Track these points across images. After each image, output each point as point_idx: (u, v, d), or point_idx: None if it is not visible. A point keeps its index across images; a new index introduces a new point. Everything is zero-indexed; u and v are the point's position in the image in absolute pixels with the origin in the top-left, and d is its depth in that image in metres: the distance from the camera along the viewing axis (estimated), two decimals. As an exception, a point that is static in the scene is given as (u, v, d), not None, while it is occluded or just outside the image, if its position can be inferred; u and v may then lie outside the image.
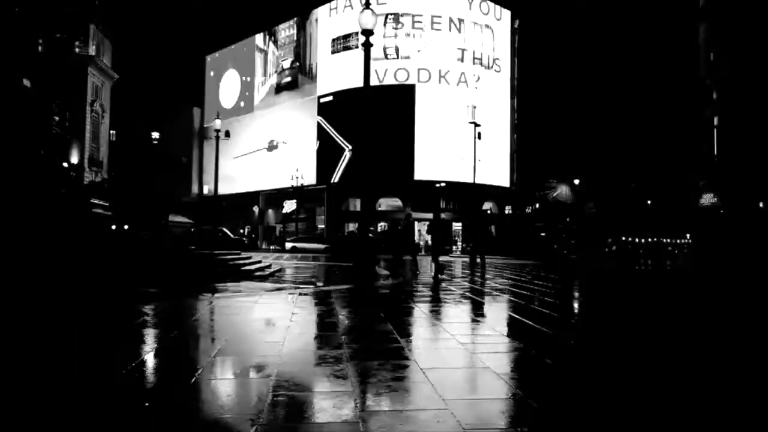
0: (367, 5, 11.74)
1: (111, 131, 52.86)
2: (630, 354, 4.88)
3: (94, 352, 4.76)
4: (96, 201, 18.61)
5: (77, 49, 45.33)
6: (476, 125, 34.44)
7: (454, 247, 45.34)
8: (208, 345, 5.06)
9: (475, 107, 45.87)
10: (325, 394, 3.38)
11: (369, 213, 12.33)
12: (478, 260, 16.08)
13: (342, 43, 48.18)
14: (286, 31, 55.14)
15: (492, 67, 49.09)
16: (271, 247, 48.08)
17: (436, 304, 8.32)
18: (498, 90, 49.60)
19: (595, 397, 3.51)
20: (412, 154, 45.45)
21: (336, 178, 47.16)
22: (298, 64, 53.11)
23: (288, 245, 41.10)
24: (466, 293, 9.77)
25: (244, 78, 59.98)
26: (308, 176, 48.79)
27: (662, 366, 4.39)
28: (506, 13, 50.84)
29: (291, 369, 3.97)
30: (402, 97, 45.52)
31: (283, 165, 52.09)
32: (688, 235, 32.10)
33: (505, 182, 50.74)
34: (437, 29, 46.73)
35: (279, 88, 55.14)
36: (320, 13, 50.60)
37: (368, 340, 5.37)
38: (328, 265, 19.45)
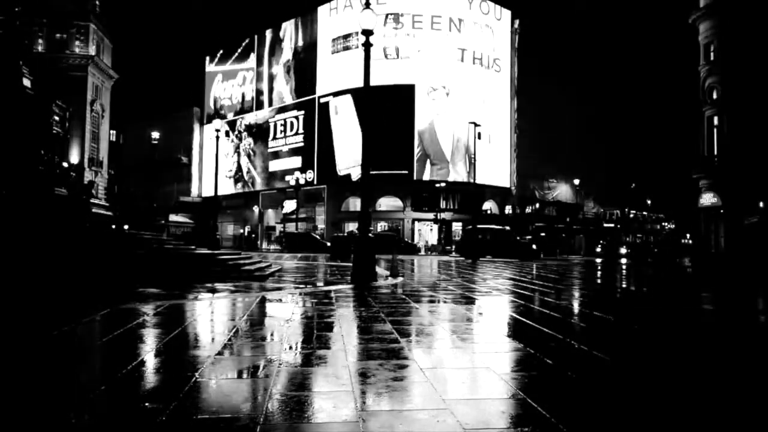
0: (367, 5, 11.74)
1: (111, 131, 52.89)
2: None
3: (92, 352, 4.76)
4: (96, 201, 18.63)
5: (77, 49, 45.35)
6: (476, 125, 34.45)
7: (453, 247, 45.37)
8: (208, 344, 5.06)
9: (474, 107, 45.85)
10: (325, 394, 3.39)
11: (368, 213, 12.31)
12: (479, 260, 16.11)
13: (342, 43, 48.21)
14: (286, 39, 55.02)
15: (492, 67, 49.08)
16: (271, 248, 48.13)
17: (435, 304, 8.34)
18: (498, 90, 49.59)
19: (598, 398, 3.51)
20: (412, 154, 45.47)
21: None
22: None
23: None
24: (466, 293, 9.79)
25: (244, 78, 59.92)
26: (309, 176, 48.90)
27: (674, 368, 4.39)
28: (506, 13, 50.84)
29: (291, 369, 3.98)
30: (402, 97, 45.55)
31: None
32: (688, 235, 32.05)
33: (505, 182, 50.75)
34: (437, 29, 46.72)
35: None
36: (320, 13, 50.59)
37: (367, 339, 5.37)
38: (328, 264, 19.47)
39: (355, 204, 45.50)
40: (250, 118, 58.10)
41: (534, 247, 30.63)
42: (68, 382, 3.67)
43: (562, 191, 62.03)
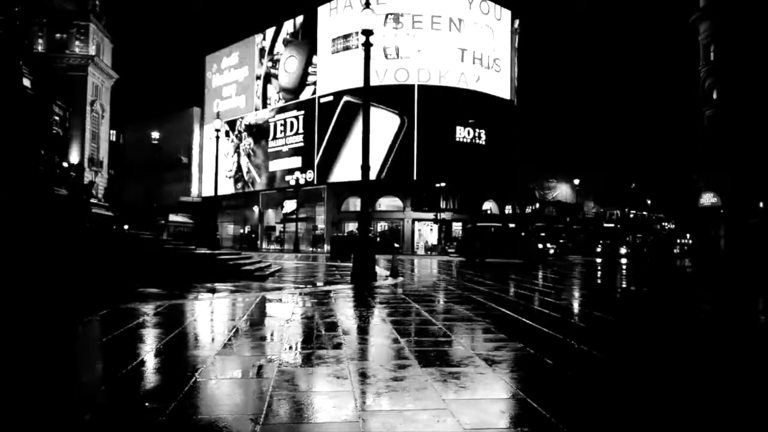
0: (367, 5, 11.74)
1: (111, 131, 52.94)
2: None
3: (92, 351, 4.76)
4: (96, 201, 18.62)
5: (77, 49, 45.37)
6: (476, 125, 34.41)
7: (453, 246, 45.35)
8: (208, 344, 5.07)
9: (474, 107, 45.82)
10: (325, 394, 3.39)
11: (368, 213, 12.31)
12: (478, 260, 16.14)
13: (342, 43, 48.18)
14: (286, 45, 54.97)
15: (492, 67, 49.05)
16: (271, 248, 48.15)
17: (435, 303, 8.34)
18: (498, 90, 49.55)
19: (597, 397, 3.51)
20: (412, 154, 45.43)
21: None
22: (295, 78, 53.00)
23: None
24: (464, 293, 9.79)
25: (244, 78, 59.90)
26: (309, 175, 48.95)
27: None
28: (506, 13, 50.80)
29: (291, 369, 3.98)
30: (402, 97, 45.52)
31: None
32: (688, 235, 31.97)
33: (505, 182, 50.69)
34: (437, 29, 46.70)
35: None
36: (320, 13, 50.57)
37: (367, 339, 5.38)
38: (328, 265, 19.47)
39: (355, 204, 45.46)
40: (250, 118, 58.06)
41: (542, 246, 27.23)
42: (68, 382, 3.67)
43: (562, 191, 62.04)
